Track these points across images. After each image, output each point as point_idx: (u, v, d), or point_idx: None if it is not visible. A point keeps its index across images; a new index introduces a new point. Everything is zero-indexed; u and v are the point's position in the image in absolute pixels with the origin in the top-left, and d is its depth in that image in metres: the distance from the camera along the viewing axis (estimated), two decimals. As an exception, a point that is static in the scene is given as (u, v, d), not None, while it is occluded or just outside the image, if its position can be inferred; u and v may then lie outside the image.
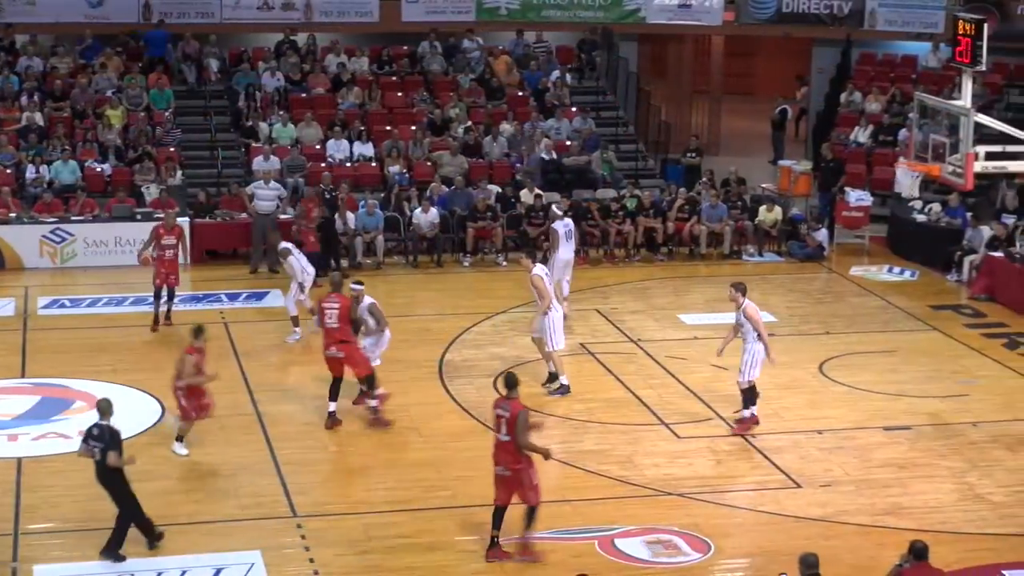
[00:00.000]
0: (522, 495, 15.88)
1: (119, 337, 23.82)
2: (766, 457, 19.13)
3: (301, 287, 23.33)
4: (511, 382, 16.00)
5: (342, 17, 35.37)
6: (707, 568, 16.01)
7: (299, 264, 23.37)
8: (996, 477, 18.54)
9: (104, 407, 16.18)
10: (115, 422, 16.06)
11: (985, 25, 21.89)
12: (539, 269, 21.40)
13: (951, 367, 22.89)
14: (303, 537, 16.48)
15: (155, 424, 19.85)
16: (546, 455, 16.02)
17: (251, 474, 18.11)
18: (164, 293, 24.12)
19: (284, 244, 23.97)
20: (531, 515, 15.93)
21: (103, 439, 15.90)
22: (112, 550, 15.91)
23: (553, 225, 25.16)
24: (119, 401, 20.27)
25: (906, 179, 30.02)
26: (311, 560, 15.93)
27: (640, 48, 38.41)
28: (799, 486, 18.14)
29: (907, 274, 28.85)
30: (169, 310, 24.10)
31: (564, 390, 21.26)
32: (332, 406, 19.92)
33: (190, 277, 27.35)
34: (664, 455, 19.18)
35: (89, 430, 16.04)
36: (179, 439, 18.87)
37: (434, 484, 18.02)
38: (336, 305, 19.86)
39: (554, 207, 26.79)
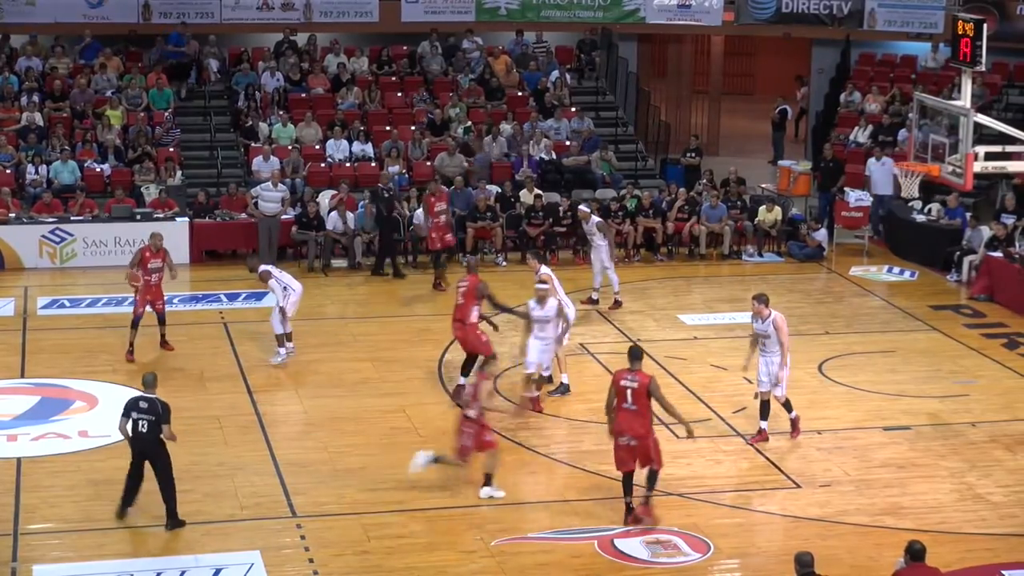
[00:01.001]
0: (645, 461, 16.75)
1: (118, 337, 23.63)
2: (765, 457, 19.15)
3: (283, 310, 22.41)
4: (636, 354, 16.92)
5: (342, 17, 35.43)
6: (706, 568, 16.04)
7: (279, 285, 22.57)
8: (995, 477, 18.56)
9: (150, 381, 16.69)
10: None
11: (984, 25, 21.92)
12: (545, 270, 21.48)
13: (950, 367, 22.91)
14: (303, 537, 16.49)
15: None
16: (689, 431, 17.35)
17: (250, 474, 18.11)
18: (156, 318, 23.09)
19: (264, 267, 22.92)
20: (653, 478, 16.84)
21: (155, 411, 16.34)
22: (175, 519, 16.50)
23: (597, 219, 25.52)
24: (119, 402, 20.44)
25: (882, 176, 30.23)
26: (311, 560, 15.94)
27: (640, 48, 38.51)
28: (798, 486, 18.17)
29: (907, 274, 28.87)
30: (164, 335, 23.17)
31: (564, 389, 21.29)
32: (461, 379, 20.91)
33: (189, 277, 27.45)
34: (664, 455, 18.77)
35: (134, 403, 16.46)
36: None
37: (433, 484, 17.95)
38: (465, 284, 21.15)
39: (582, 207, 26.88)
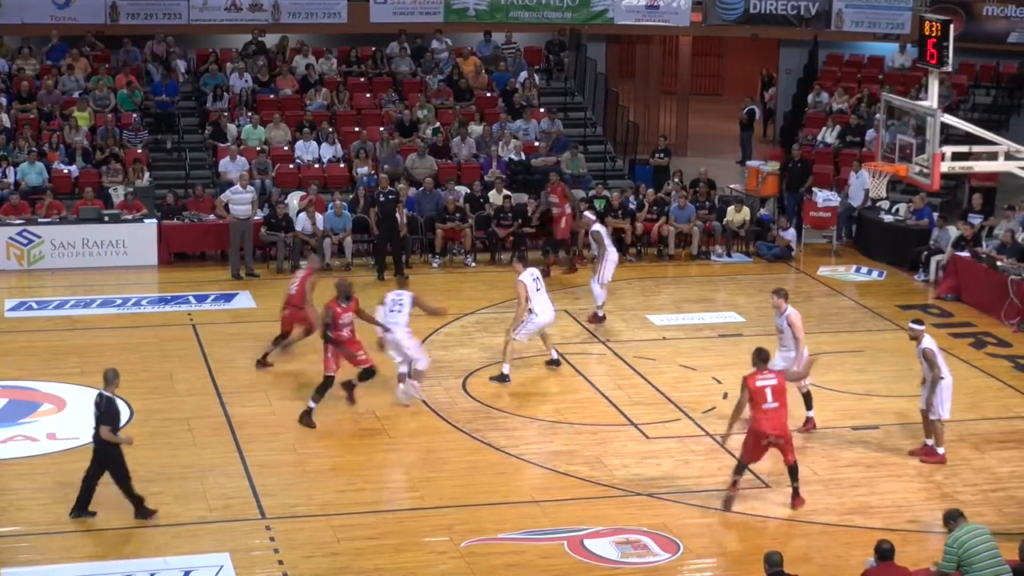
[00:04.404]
0: (788, 457, 17.46)
1: (87, 339, 23.76)
2: (735, 457, 18.90)
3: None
4: (764, 356, 17.53)
5: (310, 18, 35.45)
6: (676, 568, 16.09)
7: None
8: (963, 476, 18.72)
9: (109, 376, 16.73)
10: (117, 394, 16.67)
11: (951, 26, 22.00)
12: (525, 275, 21.72)
13: (918, 367, 22.92)
14: (272, 539, 16.50)
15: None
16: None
17: (220, 476, 18.11)
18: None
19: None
20: (795, 470, 17.56)
21: (98, 409, 16.47)
22: (83, 508, 16.71)
23: (596, 228, 25.38)
24: (87, 404, 20.35)
25: (857, 187, 30.37)
26: (280, 562, 15.96)
27: (608, 49, 38.69)
28: (768, 486, 18.21)
29: (875, 274, 29.00)
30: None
31: (504, 379, 21.63)
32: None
33: (158, 279, 27.45)
34: (633, 455, 19.27)
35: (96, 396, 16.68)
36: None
37: (403, 485, 18.17)
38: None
39: (587, 213, 26.98)
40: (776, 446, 17.32)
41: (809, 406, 20.15)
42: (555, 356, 22.49)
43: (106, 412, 16.51)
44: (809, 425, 20.08)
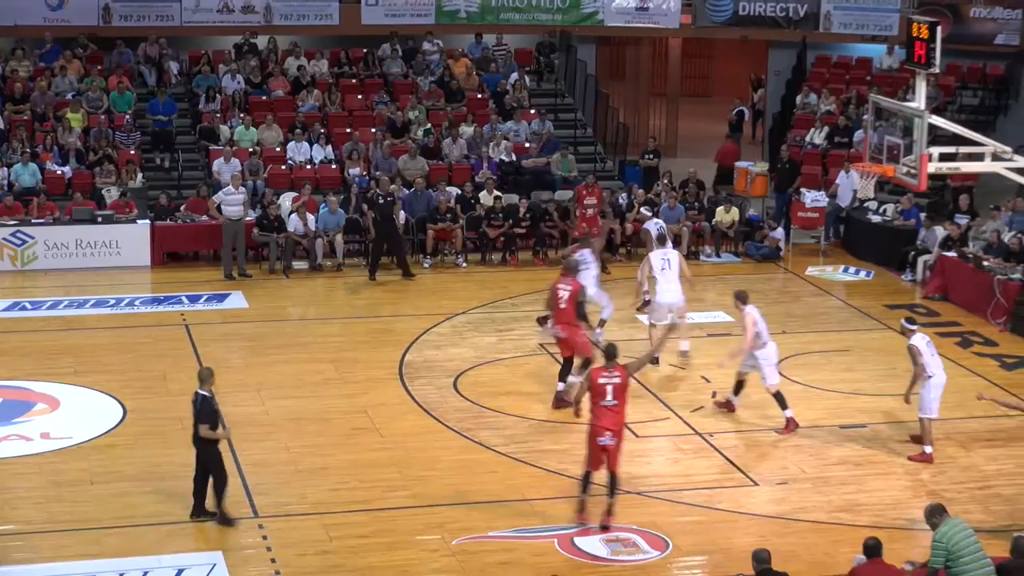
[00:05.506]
0: (612, 463, 17.08)
1: (80, 339, 23.84)
2: (723, 455, 19.32)
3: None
4: (612, 352, 17.27)
5: (302, 20, 35.51)
6: (665, 566, 16.16)
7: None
8: (950, 474, 18.83)
9: (204, 375, 16.93)
10: (212, 391, 16.80)
11: (938, 28, 22.03)
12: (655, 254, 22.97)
13: (905, 365, 22.87)
14: (265, 538, 16.55)
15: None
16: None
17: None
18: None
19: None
20: (615, 482, 17.04)
21: (195, 407, 16.58)
22: (201, 510, 16.90)
23: (645, 226, 25.88)
24: (81, 404, 20.63)
25: (846, 188, 30.51)
26: (273, 560, 16.02)
27: (598, 51, 38.69)
28: (756, 484, 18.36)
29: (862, 274, 29.12)
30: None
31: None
32: (560, 386, 20.89)
33: (151, 279, 27.53)
34: (623, 454, 18.87)
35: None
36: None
37: (395, 484, 18.13)
38: (568, 288, 20.90)
39: (642, 210, 27.21)
40: (607, 448, 16.84)
41: (784, 405, 20.18)
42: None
43: (201, 411, 16.62)
44: (791, 425, 20.12)
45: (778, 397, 20.24)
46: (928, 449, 19.31)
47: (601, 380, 16.89)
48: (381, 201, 28.06)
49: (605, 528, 16.86)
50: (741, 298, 20.57)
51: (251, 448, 19.12)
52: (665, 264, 22.72)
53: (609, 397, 16.83)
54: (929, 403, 19.17)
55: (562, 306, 20.88)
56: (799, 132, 34.96)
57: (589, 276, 22.89)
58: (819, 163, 33.37)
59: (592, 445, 16.96)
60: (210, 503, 16.95)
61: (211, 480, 16.84)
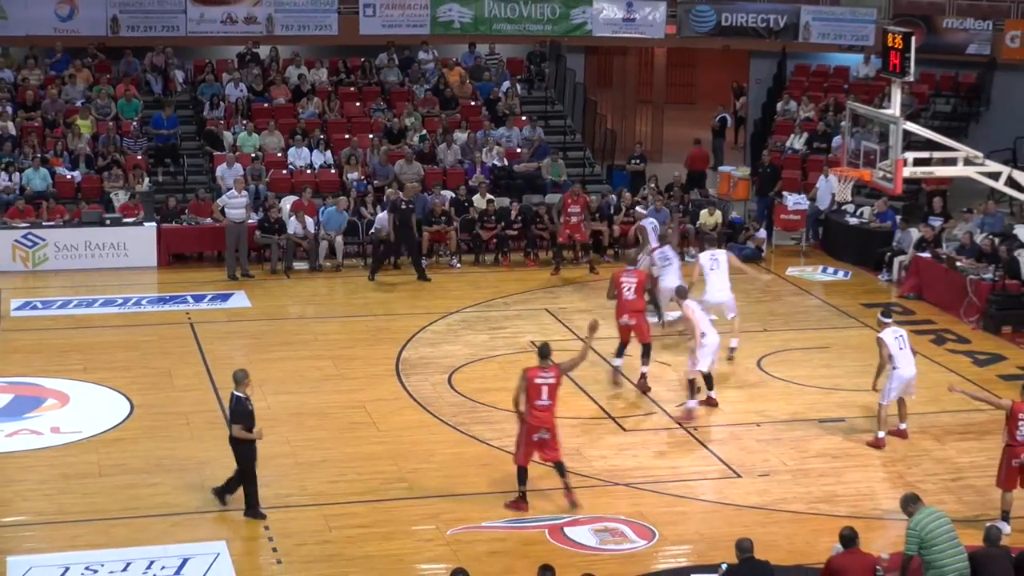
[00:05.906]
0: (556, 454, 17.57)
1: (89, 337, 24.01)
2: (707, 448, 19.59)
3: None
4: (545, 352, 17.50)
5: (303, 31, 35.68)
6: (652, 554, 16.39)
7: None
8: (924, 466, 19.12)
9: (239, 377, 16.96)
10: (248, 393, 16.83)
11: (913, 38, 22.64)
12: (704, 255, 23.84)
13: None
14: (266, 528, 16.73)
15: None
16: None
17: (216, 468, 17.95)
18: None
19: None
20: (563, 467, 17.47)
21: (231, 407, 16.85)
22: (222, 496, 17.14)
23: (641, 223, 26.65)
24: (89, 399, 20.66)
25: (825, 191, 31.04)
26: (274, 550, 16.23)
27: (587, 60, 38.95)
28: (739, 476, 18.64)
29: (840, 274, 29.38)
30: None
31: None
32: (617, 361, 21.94)
33: (157, 279, 27.70)
34: (611, 447, 19.53)
35: None
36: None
37: (392, 476, 18.29)
38: (633, 279, 21.74)
39: (639, 208, 28.30)
40: (543, 442, 17.24)
41: (692, 395, 20.57)
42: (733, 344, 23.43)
43: (235, 411, 16.73)
44: (691, 416, 20.51)
45: (691, 385, 20.58)
46: (881, 434, 19.56)
47: (538, 380, 17.13)
48: (403, 207, 28.30)
49: (574, 504, 17.29)
50: (680, 293, 21.16)
51: (253, 442, 19.51)
52: (714, 264, 23.40)
53: (544, 397, 17.14)
54: (887, 392, 19.47)
55: (629, 296, 21.70)
56: (780, 138, 35.08)
57: (672, 271, 24.05)
58: (799, 167, 33.48)
59: (527, 441, 17.25)
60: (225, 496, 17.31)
61: (238, 472, 17.02)
